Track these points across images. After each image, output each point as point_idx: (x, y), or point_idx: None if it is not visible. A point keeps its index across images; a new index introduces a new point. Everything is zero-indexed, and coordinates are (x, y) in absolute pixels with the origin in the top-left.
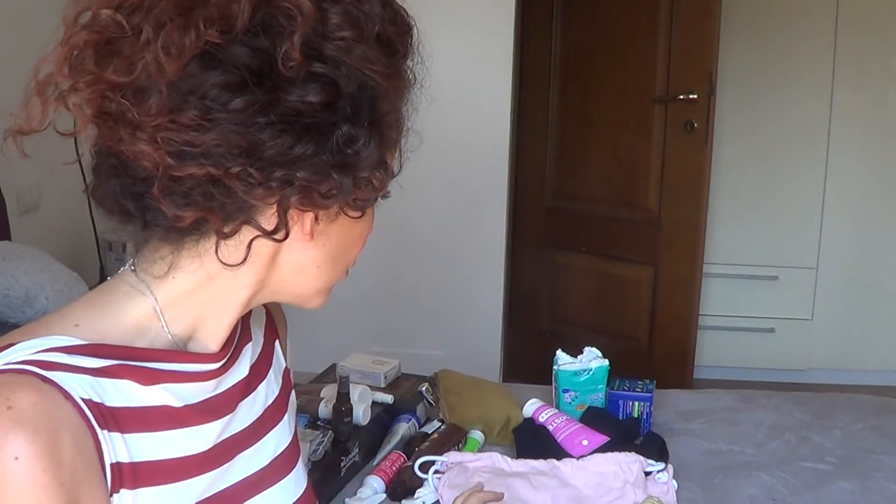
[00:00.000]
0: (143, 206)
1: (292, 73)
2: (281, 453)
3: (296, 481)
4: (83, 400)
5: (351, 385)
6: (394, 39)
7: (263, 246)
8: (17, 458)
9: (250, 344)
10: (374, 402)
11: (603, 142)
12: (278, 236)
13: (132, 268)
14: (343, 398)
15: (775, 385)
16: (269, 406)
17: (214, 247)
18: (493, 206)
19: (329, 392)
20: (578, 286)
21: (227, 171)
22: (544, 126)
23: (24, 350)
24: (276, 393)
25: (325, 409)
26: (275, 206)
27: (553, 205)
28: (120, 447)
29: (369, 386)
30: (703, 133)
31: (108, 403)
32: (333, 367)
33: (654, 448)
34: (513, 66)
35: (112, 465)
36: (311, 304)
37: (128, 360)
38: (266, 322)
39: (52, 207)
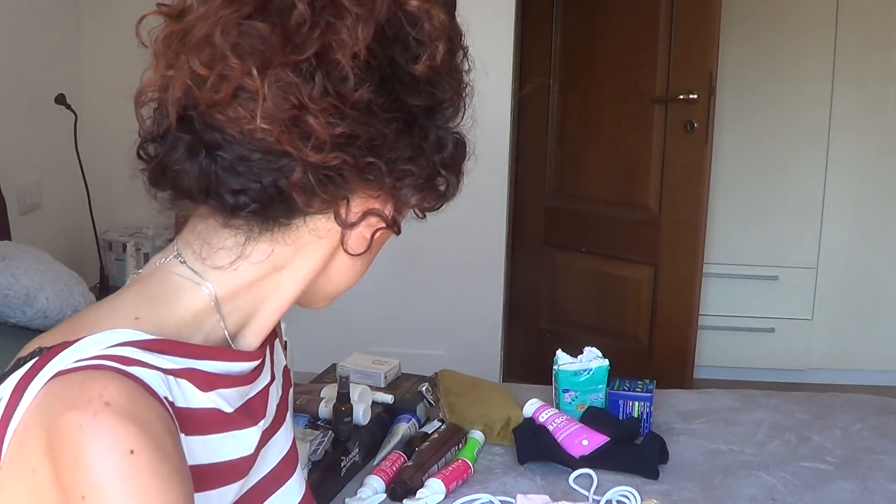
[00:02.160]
0: (239, 189)
1: (422, 76)
2: (286, 454)
3: (299, 482)
4: (164, 398)
5: (351, 385)
6: (466, 56)
7: (327, 244)
8: (132, 452)
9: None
10: (374, 402)
11: (603, 142)
12: (396, 229)
13: (180, 259)
14: (343, 398)
15: (775, 385)
16: (278, 406)
17: (291, 237)
18: (493, 206)
19: (329, 392)
20: (578, 286)
21: (360, 163)
22: (544, 126)
23: (93, 345)
24: (280, 393)
25: (325, 409)
26: (376, 200)
27: (553, 205)
28: (185, 449)
29: (369, 386)
30: (703, 133)
31: (177, 404)
32: (333, 367)
33: (654, 448)
34: (513, 66)
35: None
36: (322, 305)
37: (190, 358)
38: None
39: (52, 207)
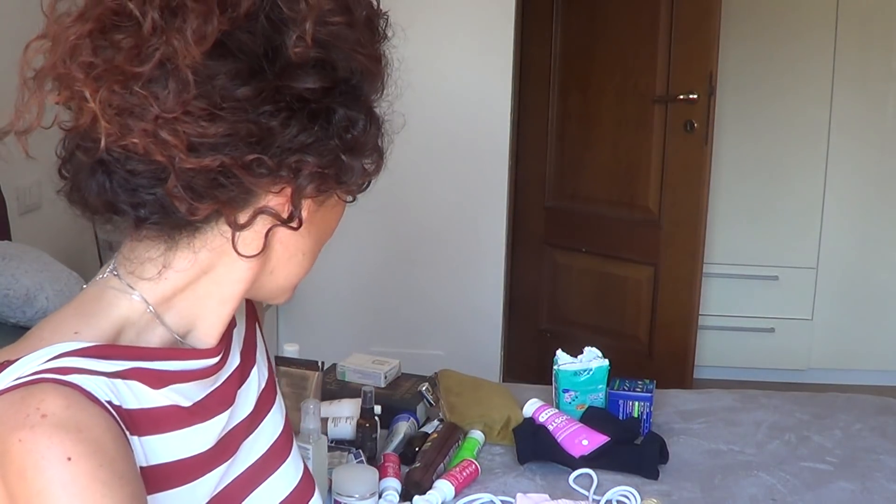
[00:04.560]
0: (136, 203)
1: (299, 59)
2: (278, 438)
3: (295, 465)
4: (107, 402)
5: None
6: (376, 23)
7: (258, 237)
8: (69, 459)
9: (236, 330)
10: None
11: (603, 142)
12: (294, 224)
13: (114, 273)
14: (367, 414)
15: (775, 385)
16: (262, 391)
17: (205, 241)
18: (493, 205)
19: (339, 410)
20: (578, 286)
21: (242, 161)
22: (544, 126)
23: (32, 362)
24: (266, 376)
25: (346, 428)
26: (279, 194)
27: (553, 205)
28: (139, 451)
29: (368, 385)
30: (703, 133)
31: (125, 406)
32: (333, 367)
33: (654, 448)
34: (513, 67)
35: (140, 468)
36: (282, 299)
37: (137, 360)
38: (245, 304)
39: (52, 207)
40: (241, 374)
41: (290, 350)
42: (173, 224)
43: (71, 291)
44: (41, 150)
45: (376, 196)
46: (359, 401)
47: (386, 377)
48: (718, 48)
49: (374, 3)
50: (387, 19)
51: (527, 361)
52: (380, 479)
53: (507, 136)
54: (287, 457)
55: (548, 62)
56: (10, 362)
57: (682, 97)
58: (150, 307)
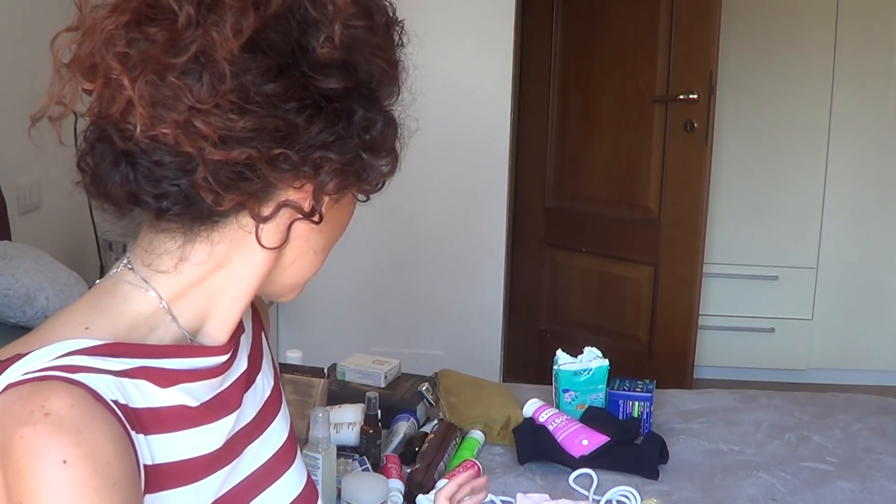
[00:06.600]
0: (160, 194)
1: (325, 59)
2: (282, 445)
3: (299, 473)
4: (112, 401)
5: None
6: (394, 30)
7: (275, 233)
8: (65, 462)
9: (244, 335)
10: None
11: (603, 142)
12: (315, 218)
13: (129, 266)
14: (371, 420)
15: (775, 385)
16: (267, 398)
17: (224, 234)
18: (493, 206)
19: (350, 415)
20: (578, 286)
21: (268, 155)
22: (544, 126)
23: (42, 357)
24: (272, 383)
25: (350, 435)
26: (300, 190)
27: (553, 205)
28: (145, 449)
29: (368, 385)
30: (703, 133)
31: (132, 405)
32: (334, 367)
33: (654, 448)
34: (513, 66)
35: (144, 466)
36: (290, 297)
37: (145, 358)
38: (252, 313)
39: (52, 207)
40: (248, 379)
41: (294, 357)
42: (194, 216)
43: (71, 291)
44: (43, 150)
45: (377, 196)
46: (360, 406)
47: (386, 377)
48: (718, 48)
49: (391, 11)
50: (402, 27)
51: (527, 361)
52: (393, 479)
53: (507, 136)
54: (291, 464)
55: (548, 62)
56: (20, 355)
57: (682, 97)
58: (164, 302)
